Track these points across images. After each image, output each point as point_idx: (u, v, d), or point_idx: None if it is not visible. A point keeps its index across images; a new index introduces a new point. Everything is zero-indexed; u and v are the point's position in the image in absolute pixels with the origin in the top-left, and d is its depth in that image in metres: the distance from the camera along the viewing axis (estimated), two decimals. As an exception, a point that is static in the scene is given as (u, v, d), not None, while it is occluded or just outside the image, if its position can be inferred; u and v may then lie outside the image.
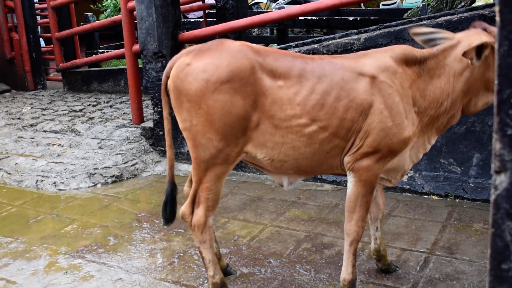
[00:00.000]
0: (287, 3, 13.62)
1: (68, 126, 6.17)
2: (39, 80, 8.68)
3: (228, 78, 2.53)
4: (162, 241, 3.78)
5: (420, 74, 2.74)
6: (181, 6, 6.16)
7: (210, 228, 2.88)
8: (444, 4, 7.66)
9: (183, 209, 2.89)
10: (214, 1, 6.89)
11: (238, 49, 2.60)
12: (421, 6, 8.53)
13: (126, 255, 3.60)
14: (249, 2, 14.04)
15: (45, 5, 8.70)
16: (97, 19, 11.00)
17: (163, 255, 3.57)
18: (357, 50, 4.44)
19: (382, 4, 14.07)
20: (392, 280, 3.11)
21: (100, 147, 5.49)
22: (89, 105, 7.03)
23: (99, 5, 12.46)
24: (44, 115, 6.83)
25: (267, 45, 12.53)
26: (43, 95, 8.11)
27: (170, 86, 2.68)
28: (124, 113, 6.41)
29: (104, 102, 7.10)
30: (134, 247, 3.72)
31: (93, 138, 5.76)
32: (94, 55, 8.77)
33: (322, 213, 4.10)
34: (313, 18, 9.07)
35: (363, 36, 4.45)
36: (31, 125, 6.43)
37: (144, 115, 5.87)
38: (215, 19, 7.18)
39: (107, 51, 8.98)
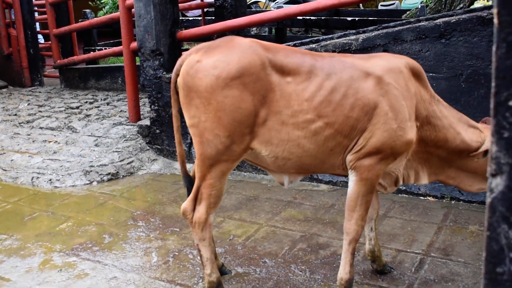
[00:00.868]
0: (286, 3, 13.62)
1: (64, 123, 6.15)
2: (36, 76, 8.65)
3: (238, 74, 2.55)
4: (157, 239, 3.77)
5: (430, 103, 2.85)
6: (180, 4, 6.15)
7: (210, 226, 2.87)
8: (443, 6, 7.66)
9: (184, 205, 2.87)
10: (213, 0, 6.88)
11: (248, 45, 2.62)
12: (419, 7, 8.53)
13: (121, 254, 3.59)
14: (248, 1, 14.03)
15: (43, 1, 8.67)
16: (96, 16, 10.98)
17: (158, 253, 3.56)
18: (355, 51, 4.43)
19: (381, 5, 14.08)
20: (387, 281, 3.10)
21: (96, 145, 5.47)
22: (86, 102, 7.01)
23: (98, 1, 12.44)
24: (40, 111, 6.82)
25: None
26: (40, 92, 8.09)
27: (180, 83, 2.69)
28: (121, 110, 6.40)
29: (101, 99, 7.09)
30: (129, 245, 3.71)
31: (89, 135, 5.74)
32: (91, 52, 8.74)
33: (318, 213, 4.10)
34: (312, 18, 9.07)
35: (361, 36, 4.44)
36: (28, 122, 6.41)
37: (141, 113, 5.86)
38: (213, 18, 7.17)
39: (105, 48, 8.96)
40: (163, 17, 5.25)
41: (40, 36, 10.29)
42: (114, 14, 7.12)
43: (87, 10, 10.26)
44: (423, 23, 4.22)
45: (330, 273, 3.21)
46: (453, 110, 2.95)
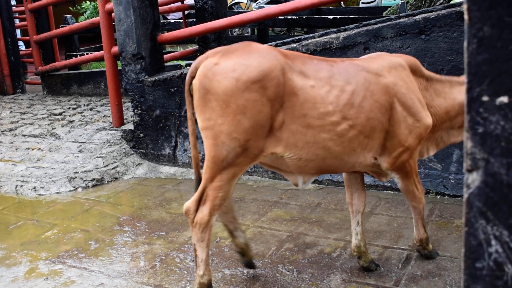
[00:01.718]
0: (267, 3, 13.62)
1: (47, 130, 6.11)
2: (18, 83, 8.58)
3: (258, 78, 2.57)
4: (144, 244, 3.75)
5: (427, 88, 3.08)
6: (160, 7, 6.13)
7: (211, 227, 2.86)
8: (423, 1, 7.70)
9: (188, 204, 2.84)
10: (193, 2, 6.87)
11: (267, 50, 2.67)
12: (400, 3, 8.56)
13: (107, 260, 3.57)
14: (229, 2, 14.03)
15: (23, 8, 8.60)
16: (76, 21, 10.92)
17: (145, 258, 3.55)
18: (336, 49, 4.44)
19: (362, 3, 14.13)
20: (375, 278, 3.11)
21: (80, 151, 5.44)
22: (69, 108, 6.97)
23: (78, 7, 12.36)
24: (23, 119, 6.76)
25: (248, 45, 12.53)
26: (22, 99, 8.02)
27: (196, 85, 2.67)
28: (104, 115, 6.36)
29: (84, 105, 7.04)
30: (115, 251, 3.69)
31: (73, 141, 5.71)
32: (73, 58, 8.69)
33: (304, 212, 4.10)
34: (293, 17, 9.08)
35: (342, 34, 4.46)
36: (10, 130, 6.36)
37: (124, 117, 5.83)
38: (194, 20, 7.15)
39: (87, 53, 8.91)
40: (144, 21, 5.23)
41: (21, 43, 10.21)
42: (94, 19, 7.07)
43: (68, 16, 10.20)
44: (403, 20, 4.24)
45: (317, 272, 3.21)
46: (445, 79, 3.16)
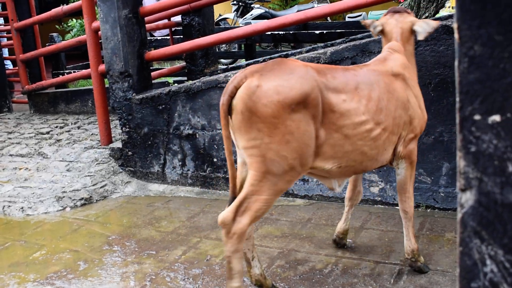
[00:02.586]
0: (254, 18, 13.68)
1: (35, 149, 6.06)
2: (4, 103, 8.52)
3: (302, 99, 2.67)
4: (134, 263, 3.72)
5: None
6: (147, 25, 6.13)
7: (245, 239, 2.88)
8: (408, 16, 7.75)
9: (225, 214, 2.80)
10: (180, 19, 6.87)
11: (305, 70, 2.76)
12: (386, 18, 8.61)
13: (97, 280, 3.52)
14: (216, 18, 14.06)
15: (9, 27, 8.56)
16: (63, 39, 10.89)
17: (135, 278, 3.51)
18: (324, 63, 4.45)
19: (348, 17, 14.23)
20: (367, 294, 3.09)
21: (68, 170, 5.40)
22: (57, 127, 6.92)
23: (65, 25, 12.34)
24: (10, 138, 6.70)
25: (235, 60, 12.56)
26: (9, 118, 7.96)
27: (238, 107, 2.69)
28: (92, 134, 6.33)
29: (71, 123, 7.00)
30: (105, 271, 3.65)
31: (60, 160, 5.66)
32: (60, 76, 8.66)
33: (294, 228, 4.08)
34: (280, 32, 9.11)
35: (329, 50, 4.47)
36: (-3, 150, 6.31)
37: (112, 135, 5.80)
38: (182, 37, 7.15)
39: (74, 71, 8.88)
40: (131, 39, 5.23)
41: (8, 62, 10.15)
42: (81, 37, 7.06)
43: (54, 34, 10.17)
44: (389, 34, 4.26)
45: (309, 289, 3.19)
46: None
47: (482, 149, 0.95)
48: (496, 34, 0.93)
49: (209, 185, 4.99)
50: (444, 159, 4.13)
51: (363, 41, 4.39)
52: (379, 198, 4.35)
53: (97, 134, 6.13)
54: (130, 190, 5.20)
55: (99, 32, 5.53)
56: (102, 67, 5.53)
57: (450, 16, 4.63)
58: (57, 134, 6.50)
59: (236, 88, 2.71)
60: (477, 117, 0.95)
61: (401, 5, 8.04)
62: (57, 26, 13.03)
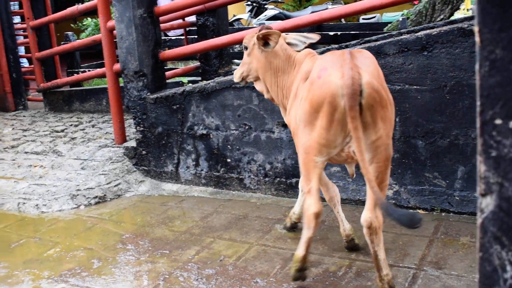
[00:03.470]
0: (268, 19, 13.67)
1: (49, 147, 6.10)
2: (19, 100, 8.59)
3: None
4: (147, 263, 3.73)
5: None
6: (162, 25, 6.14)
7: None
8: (424, 18, 7.72)
9: (368, 216, 2.94)
10: (195, 19, 6.89)
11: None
12: (400, 20, 8.59)
13: (110, 278, 3.54)
14: (230, 18, 14.07)
15: (25, 25, 8.63)
16: (78, 38, 10.96)
17: (148, 277, 3.52)
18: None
19: (362, 19, 14.19)
20: (380, 297, 3.08)
21: (82, 168, 5.43)
22: (71, 125, 6.96)
23: (80, 24, 12.40)
24: (25, 136, 6.76)
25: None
26: (24, 116, 8.03)
27: (369, 101, 2.79)
28: (106, 132, 6.36)
29: (86, 122, 7.04)
30: (118, 269, 3.67)
31: (75, 158, 5.70)
32: (75, 75, 8.71)
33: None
34: (294, 33, 9.10)
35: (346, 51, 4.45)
36: (12, 147, 6.35)
37: (126, 134, 5.82)
38: (196, 37, 7.17)
39: (89, 70, 8.93)
40: (145, 38, 5.25)
41: (24, 60, 10.22)
42: (96, 36, 7.09)
43: (69, 33, 10.24)
44: (404, 36, 4.24)
45: (322, 291, 3.19)
46: None
47: (503, 154, 0.94)
48: (519, 38, 0.92)
49: (222, 185, 4.99)
50: (459, 162, 4.11)
51: (378, 43, 4.37)
52: (393, 201, 4.33)
53: (111, 133, 6.15)
54: (143, 189, 5.22)
55: (114, 32, 5.56)
56: (117, 66, 5.56)
57: (466, 19, 4.60)
58: (71, 132, 6.53)
59: (360, 86, 2.75)
60: (498, 121, 0.95)
61: (416, 8, 8.01)
62: (72, 25, 13.12)
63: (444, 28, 4.08)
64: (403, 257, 3.54)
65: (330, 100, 2.82)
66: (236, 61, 12.17)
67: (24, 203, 4.96)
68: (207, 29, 6.67)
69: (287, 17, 13.49)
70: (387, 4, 4.54)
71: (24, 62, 10.25)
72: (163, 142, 5.23)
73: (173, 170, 5.23)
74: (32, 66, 8.53)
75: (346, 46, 5.10)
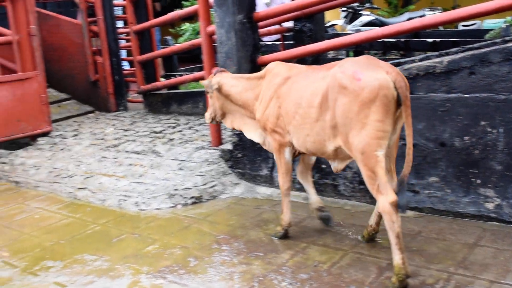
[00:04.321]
0: (363, 25, 13.54)
1: (149, 147, 6.33)
2: (121, 101, 8.96)
3: None
4: (242, 264, 3.79)
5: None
6: (259, 30, 6.22)
7: None
8: (530, 24, 7.40)
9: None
10: (292, 24, 6.93)
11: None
12: (504, 26, 8.27)
13: (206, 277, 3.63)
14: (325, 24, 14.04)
15: (128, 30, 9.00)
16: (176, 43, 11.27)
17: (243, 278, 3.58)
18: (440, 73, 4.34)
19: (462, 25, 13.77)
20: (481, 313, 2.98)
21: (180, 168, 5.59)
22: (169, 126, 7.18)
23: (178, 28, 12.76)
24: (126, 136, 7.04)
25: (342, 67, 12.47)
26: (124, 116, 8.37)
27: (407, 97, 3.26)
28: (203, 135, 6.51)
29: (183, 124, 7.24)
30: (214, 269, 3.75)
31: (173, 159, 5.87)
32: (172, 78, 8.98)
33: (404, 240, 3.98)
34: (391, 40, 8.97)
35: (446, 59, 4.35)
36: (114, 146, 6.63)
37: (222, 137, 5.94)
38: (292, 42, 7.21)
39: (185, 74, 9.17)
40: (244, 43, 5.34)
41: (125, 63, 10.65)
42: (195, 41, 7.29)
43: (168, 37, 10.56)
44: (510, 44, 4.09)
45: (419, 303, 3.12)
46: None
47: None
48: None
49: (317, 191, 4.98)
50: None
51: (482, 50, 4.24)
52: (494, 215, 4.17)
53: (207, 135, 6.30)
54: (238, 191, 5.31)
55: (214, 36, 5.69)
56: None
57: None
58: (169, 134, 6.73)
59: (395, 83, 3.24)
60: None
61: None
62: (170, 30, 13.51)
63: (556, 36, 3.90)
64: (504, 273, 3.41)
65: (385, 93, 3.20)
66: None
67: (124, 200, 5.16)
68: (304, 34, 6.69)
69: (382, 23, 13.30)
70: (492, 10, 4.38)
71: (126, 65, 10.67)
72: (259, 145, 5.29)
73: (268, 174, 5.29)
74: (133, 68, 8.87)
75: (446, 54, 4.98)
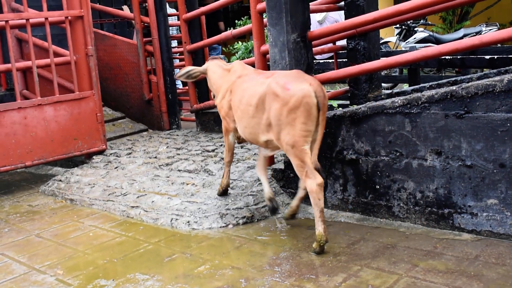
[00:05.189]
0: (417, 42, 13.34)
1: (201, 166, 6.35)
2: (174, 120, 9.06)
3: None
4: (294, 287, 3.73)
5: None
6: (313, 49, 6.19)
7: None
8: None
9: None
10: (345, 43, 6.87)
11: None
12: None
13: (258, 300, 3.58)
14: (378, 41, 13.91)
15: (182, 49, 9.11)
16: (229, 61, 11.35)
17: (295, 301, 3.52)
18: (499, 92, 4.19)
19: (521, 41, 13.39)
20: None
21: (231, 188, 5.58)
22: (221, 145, 7.20)
23: (231, 47, 12.86)
24: (178, 154, 7.09)
25: (395, 85, 12.31)
26: (177, 135, 8.44)
27: (324, 104, 4.26)
28: (255, 153, 6.50)
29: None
30: (265, 291, 3.70)
31: (225, 178, 5.87)
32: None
33: (461, 265, 3.86)
34: (447, 57, 8.78)
35: (507, 77, 4.20)
36: (167, 164, 6.69)
37: (274, 156, 5.91)
38: (345, 60, 7.14)
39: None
40: (298, 62, 5.31)
41: (178, 82, 10.77)
42: (248, 60, 7.31)
43: (221, 56, 10.62)
44: None
45: (479, 332, 2.99)
46: None
47: None
48: None
49: (370, 212, 4.90)
50: None
51: (545, 68, 4.08)
52: (558, 240, 3.99)
53: (259, 154, 6.26)
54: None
55: (267, 55, 5.69)
56: (268, 89, 5.67)
57: None
58: (221, 152, 6.75)
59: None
60: None
61: None
62: (223, 49, 13.63)
63: None
64: None
65: (308, 101, 4.10)
66: (384, 85, 11.99)
67: (176, 219, 5.18)
68: (358, 53, 6.60)
69: (437, 40, 13.09)
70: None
71: (179, 84, 10.80)
72: (311, 165, 5.24)
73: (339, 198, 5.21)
74: (186, 87, 8.96)
75: (506, 72, 4.84)
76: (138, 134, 8.93)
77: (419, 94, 4.53)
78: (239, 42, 12.44)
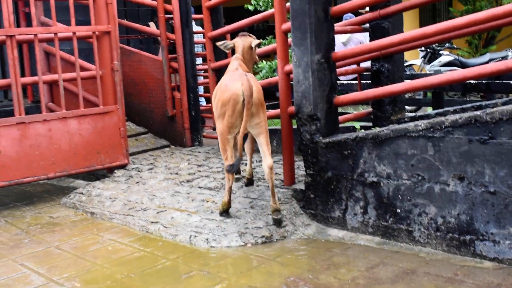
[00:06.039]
0: (443, 65, 13.28)
1: (221, 183, 6.35)
2: (196, 137, 9.09)
3: None
4: (311, 309, 3.70)
5: None
6: (337, 70, 6.19)
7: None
8: None
9: (270, 161, 5.29)
10: (369, 65, 6.87)
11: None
12: None
13: (274, 321, 3.55)
14: (402, 64, 13.87)
15: (206, 66, 9.18)
16: (253, 79, 11.35)
17: (312, 324, 3.48)
18: None
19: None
20: None
21: (251, 207, 5.57)
22: (242, 163, 7.19)
23: (255, 66, 12.90)
24: (199, 171, 7.11)
25: (419, 108, 12.24)
26: (199, 152, 8.47)
27: (256, 100, 5.16)
28: (275, 173, 6.48)
29: (256, 161, 7.24)
30: (282, 312, 3.67)
31: (244, 197, 5.87)
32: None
33: (482, 293, 3.80)
34: (472, 81, 8.72)
35: (532, 104, 4.17)
36: (188, 181, 6.71)
37: (295, 176, 5.89)
38: (369, 82, 7.13)
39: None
40: (321, 83, 5.31)
41: (202, 99, 10.83)
42: (272, 79, 7.32)
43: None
44: None
45: None
46: None
47: None
48: None
49: (390, 236, 4.85)
50: None
51: None
52: None
53: (280, 174, 6.26)
54: (309, 232, 5.22)
55: (291, 75, 5.70)
56: (291, 108, 5.68)
57: None
58: (242, 171, 6.74)
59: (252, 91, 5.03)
60: None
61: None
62: (247, 67, 13.66)
63: None
64: None
65: (235, 98, 4.98)
66: (408, 107, 11.93)
67: (195, 236, 5.18)
68: (382, 75, 6.60)
69: (462, 64, 13.01)
70: None
71: (202, 101, 10.85)
72: (332, 187, 5.22)
73: (340, 216, 5.18)
74: (210, 105, 9.00)
75: (533, 98, 4.79)
76: (160, 150, 8.97)
77: (442, 118, 4.49)
78: (263, 61, 12.48)
